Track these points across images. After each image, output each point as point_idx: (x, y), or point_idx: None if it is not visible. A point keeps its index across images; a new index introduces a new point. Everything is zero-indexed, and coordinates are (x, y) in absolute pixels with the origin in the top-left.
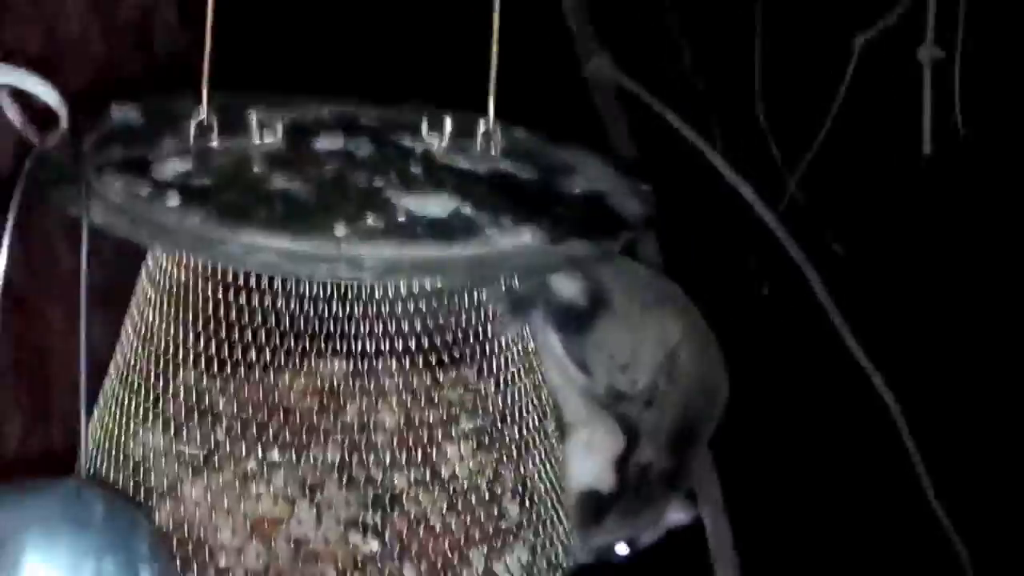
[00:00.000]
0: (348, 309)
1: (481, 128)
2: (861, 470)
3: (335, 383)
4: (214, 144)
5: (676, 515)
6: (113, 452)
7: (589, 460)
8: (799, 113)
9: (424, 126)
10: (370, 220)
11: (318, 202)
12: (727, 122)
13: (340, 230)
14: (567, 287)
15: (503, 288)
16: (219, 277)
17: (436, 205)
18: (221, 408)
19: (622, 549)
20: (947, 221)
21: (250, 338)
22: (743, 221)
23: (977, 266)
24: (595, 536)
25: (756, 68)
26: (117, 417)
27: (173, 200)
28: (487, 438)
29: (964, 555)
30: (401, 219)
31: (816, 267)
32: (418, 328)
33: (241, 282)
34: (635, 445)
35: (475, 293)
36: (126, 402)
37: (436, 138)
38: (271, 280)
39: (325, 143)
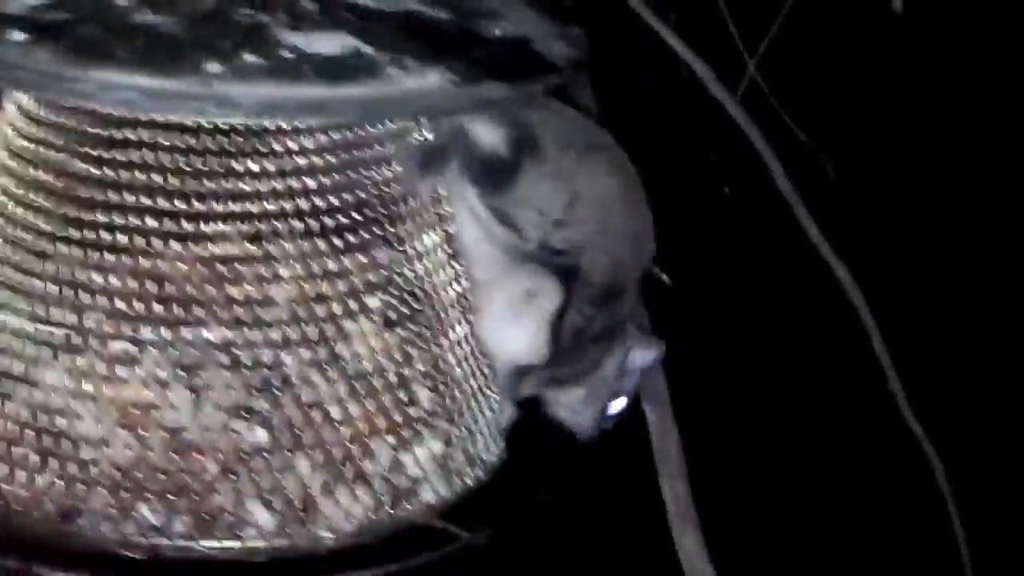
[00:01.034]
0: (237, 166)
1: None
2: (829, 374)
3: (220, 251)
4: None
5: (642, 355)
6: None
7: (521, 329)
8: None
9: None
10: (248, 57)
11: (189, 38)
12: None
13: (212, 67)
14: (487, 135)
15: (413, 142)
16: (85, 131)
17: (328, 42)
18: (91, 282)
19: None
20: (921, 96)
21: (124, 200)
22: (701, 109)
23: (955, 148)
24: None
25: None
26: None
27: (17, 35)
28: (395, 315)
29: (939, 469)
30: (286, 56)
31: (780, 158)
32: (316, 188)
33: (112, 134)
34: (567, 303)
35: (382, 147)
36: None
37: None
38: (147, 132)
39: None
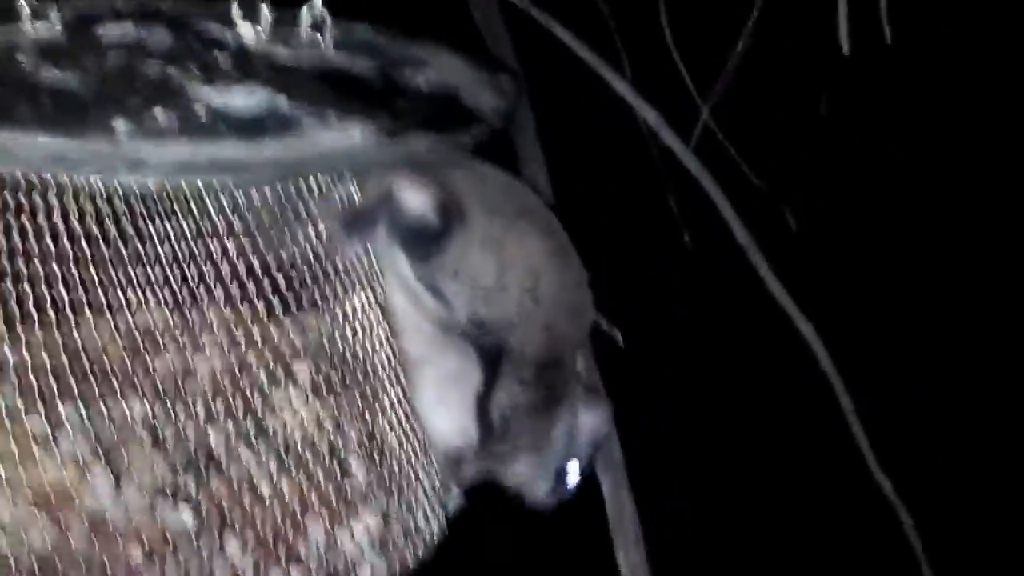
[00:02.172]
0: (152, 229)
1: (308, 18)
2: (793, 431)
3: (140, 322)
4: None
5: (591, 415)
6: None
7: (444, 409)
8: (711, 33)
9: (236, 14)
10: (159, 114)
11: (96, 95)
12: (633, 44)
13: (120, 125)
14: (414, 199)
15: (338, 202)
16: (2, 200)
17: (244, 98)
18: (1, 357)
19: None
20: (872, 137)
21: (34, 269)
22: (660, 157)
23: (918, 193)
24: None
25: None
26: None
27: None
28: (325, 384)
29: (908, 523)
30: (199, 114)
31: (739, 206)
32: (237, 250)
33: (19, 199)
34: (494, 380)
35: (305, 206)
36: None
37: (251, 28)
38: (54, 196)
39: (112, 31)
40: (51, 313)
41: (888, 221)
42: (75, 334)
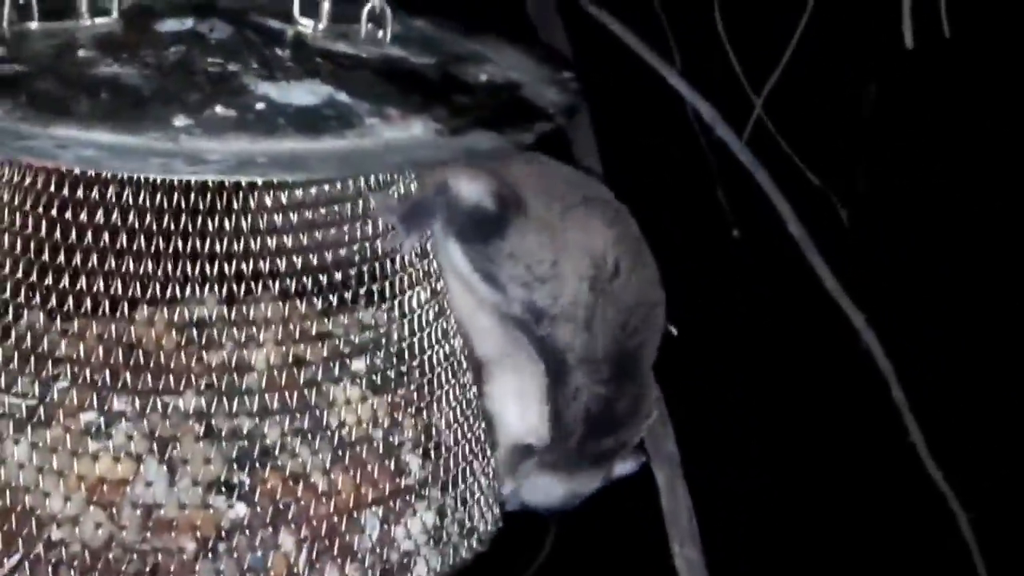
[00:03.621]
0: (210, 225)
1: (368, 13)
2: (847, 425)
3: (196, 315)
4: (33, 26)
5: (620, 465)
6: None
7: (518, 407)
8: (764, 27)
9: (296, 9)
10: (219, 109)
11: (155, 90)
12: (685, 38)
13: (180, 121)
14: (470, 190)
15: (396, 197)
16: (54, 193)
17: (304, 92)
18: (59, 350)
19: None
20: (926, 131)
21: (90, 264)
22: (710, 150)
23: (973, 185)
24: (525, 492)
25: None
26: None
27: None
28: (381, 379)
29: (963, 517)
30: (260, 108)
31: (790, 202)
32: (294, 246)
33: (76, 194)
34: (564, 377)
35: (363, 202)
36: None
37: (311, 22)
38: (113, 191)
39: (171, 25)
40: (107, 306)
41: (941, 214)
42: (131, 328)
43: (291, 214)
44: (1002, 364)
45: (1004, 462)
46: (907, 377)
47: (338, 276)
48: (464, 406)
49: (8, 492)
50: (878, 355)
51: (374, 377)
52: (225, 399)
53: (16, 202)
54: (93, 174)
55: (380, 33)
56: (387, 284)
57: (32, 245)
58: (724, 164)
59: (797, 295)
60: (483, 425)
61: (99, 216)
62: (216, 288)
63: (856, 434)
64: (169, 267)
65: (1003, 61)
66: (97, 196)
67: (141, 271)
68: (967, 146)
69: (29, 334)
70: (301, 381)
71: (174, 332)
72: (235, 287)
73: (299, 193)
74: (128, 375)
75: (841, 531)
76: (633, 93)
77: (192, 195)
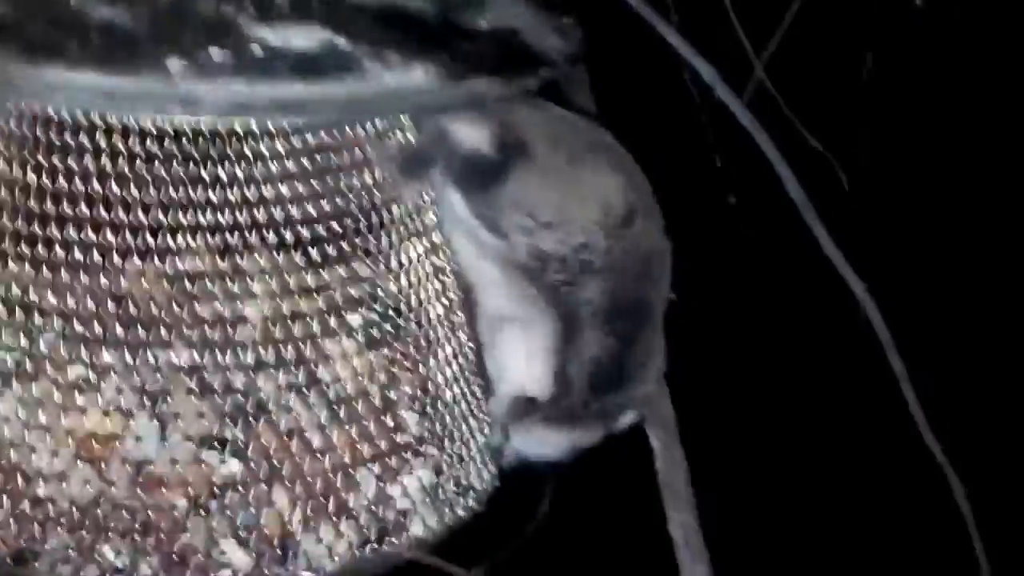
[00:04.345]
0: (204, 173)
1: None
2: (844, 394)
3: (186, 266)
4: None
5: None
6: None
7: (523, 358)
8: None
9: None
10: (214, 52)
11: (149, 33)
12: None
13: (175, 64)
14: (470, 135)
15: (394, 145)
16: (35, 137)
17: (302, 36)
18: (46, 302)
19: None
20: (942, 99)
21: (80, 213)
22: (707, 112)
23: (978, 151)
24: (524, 445)
25: None
26: None
27: None
28: (379, 333)
29: (959, 489)
30: (256, 52)
31: (791, 164)
32: (290, 196)
33: (66, 140)
34: (574, 329)
35: (360, 151)
36: None
37: None
38: (103, 138)
39: None
40: (96, 258)
41: (943, 181)
42: (120, 279)
43: (286, 162)
44: (1004, 336)
45: (1004, 436)
46: (906, 348)
47: (334, 227)
48: (461, 362)
49: None
50: (877, 324)
51: (370, 331)
52: (218, 352)
53: (3, 150)
54: (82, 119)
55: None
56: (384, 235)
57: (17, 193)
58: (721, 129)
59: (795, 263)
60: (480, 382)
61: (87, 163)
62: (209, 238)
63: (854, 404)
64: (160, 216)
65: (1006, 26)
66: (86, 142)
67: (131, 220)
68: (969, 113)
69: (15, 284)
70: (296, 334)
71: (165, 284)
72: (228, 237)
73: (294, 140)
74: (117, 328)
75: (837, 500)
76: (629, 53)
77: (184, 141)
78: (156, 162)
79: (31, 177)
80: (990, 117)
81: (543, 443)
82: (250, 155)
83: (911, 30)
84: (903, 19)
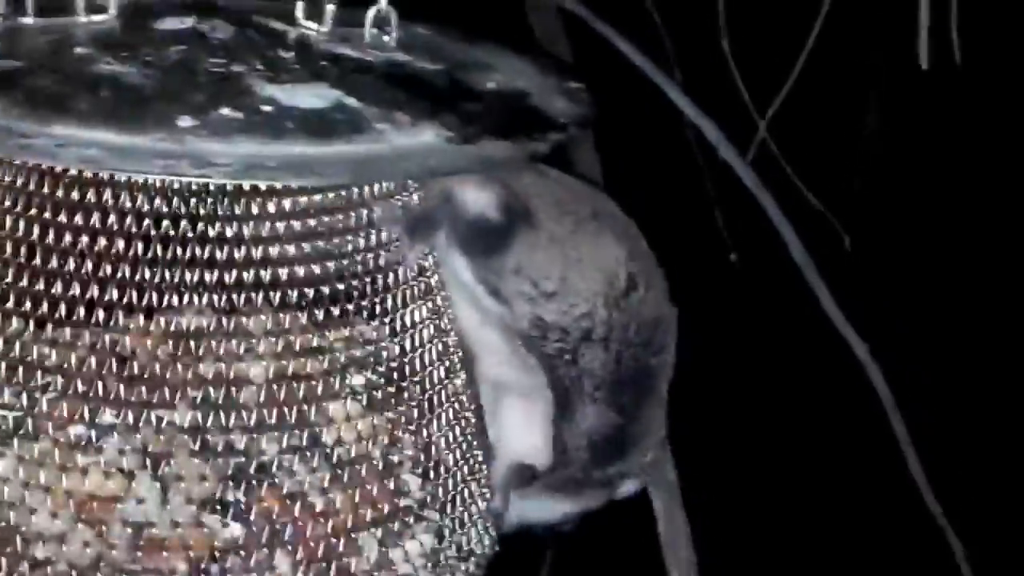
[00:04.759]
0: (210, 231)
1: (372, 16)
2: (846, 456)
3: (189, 326)
4: (28, 21)
5: (625, 485)
6: None
7: (523, 427)
8: (770, 44)
9: (299, 10)
10: (225, 111)
11: (158, 89)
12: (687, 53)
13: (185, 122)
14: (476, 199)
15: (399, 206)
16: (47, 194)
17: (311, 96)
18: (48, 359)
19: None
20: (948, 159)
21: (83, 269)
22: (708, 171)
23: (983, 215)
24: (525, 513)
25: None
26: None
27: None
28: (381, 395)
29: (960, 552)
30: (266, 110)
31: (793, 224)
32: (296, 255)
33: (70, 196)
34: (573, 399)
35: (365, 213)
36: None
37: (314, 25)
38: (109, 194)
39: (171, 23)
40: (100, 314)
41: (946, 241)
42: (123, 337)
43: (293, 222)
44: (1006, 398)
45: (1004, 498)
46: (908, 409)
47: (338, 288)
48: (463, 426)
49: None
50: (880, 386)
51: (373, 393)
52: (220, 413)
53: (7, 204)
54: (88, 175)
55: (385, 38)
56: (388, 297)
57: (23, 248)
58: (723, 187)
59: (797, 323)
60: (481, 446)
61: (93, 219)
62: (212, 297)
63: (856, 465)
64: (165, 274)
65: (1010, 87)
66: (92, 199)
67: (135, 278)
68: (971, 172)
69: (17, 342)
70: (299, 396)
71: (168, 342)
72: (233, 297)
73: (302, 200)
74: (120, 387)
75: (840, 563)
76: (632, 112)
77: (191, 200)
78: (161, 219)
79: (34, 231)
80: (992, 178)
81: (544, 510)
82: (256, 213)
83: (914, 91)
84: (907, 80)
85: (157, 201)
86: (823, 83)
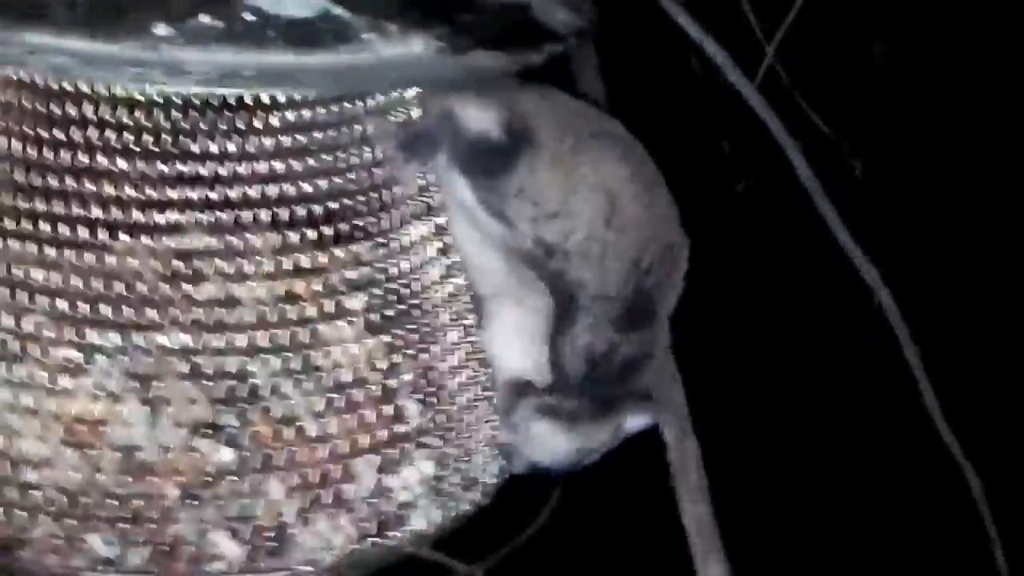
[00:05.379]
0: (195, 147)
1: None
2: (857, 383)
3: (177, 244)
4: None
5: (630, 420)
6: None
7: (519, 344)
8: None
9: None
10: (205, 19)
11: None
12: None
13: (161, 29)
14: (478, 118)
15: (396, 123)
16: (19, 106)
17: (298, 4)
18: (30, 280)
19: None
20: (953, 84)
21: (66, 186)
22: (715, 97)
23: (991, 136)
24: (531, 449)
25: None
26: None
27: None
28: (378, 317)
29: (976, 483)
30: (249, 19)
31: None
32: (287, 172)
33: (51, 110)
34: (572, 315)
35: (361, 127)
36: None
37: None
38: (90, 107)
39: None
40: (84, 233)
41: (957, 167)
42: (107, 257)
43: (282, 137)
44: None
45: (1021, 428)
46: (921, 336)
47: (334, 206)
48: (468, 350)
49: None
50: (891, 312)
51: (371, 316)
52: (210, 336)
53: None
54: (71, 88)
55: None
56: (386, 216)
57: (3, 164)
58: (728, 114)
59: (806, 251)
60: (488, 371)
61: (74, 133)
62: (201, 215)
63: (868, 394)
64: (149, 191)
65: (1020, 10)
66: (72, 111)
67: (119, 194)
68: (982, 95)
69: (1, 261)
70: (292, 318)
71: (156, 262)
72: (221, 215)
73: (291, 115)
74: (108, 308)
75: (852, 491)
76: (638, 38)
77: (172, 112)
78: (144, 133)
79: (16, 147)
80: (1001, 103)
81: (549, 446)
82: (242, 128)
83: (923, 15)
84: (915, 4)
85: (138, 113)
86: (831, 7)
